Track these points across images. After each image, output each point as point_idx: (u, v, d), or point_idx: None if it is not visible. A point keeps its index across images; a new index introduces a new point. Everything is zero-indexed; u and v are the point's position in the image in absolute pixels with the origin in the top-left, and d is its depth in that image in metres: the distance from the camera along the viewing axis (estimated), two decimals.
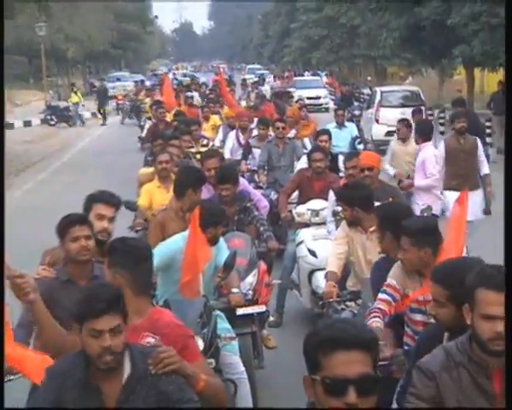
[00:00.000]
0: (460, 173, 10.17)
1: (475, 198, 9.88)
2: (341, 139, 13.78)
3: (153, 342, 3.93)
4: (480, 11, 25.09)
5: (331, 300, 6.21)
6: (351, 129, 14.78)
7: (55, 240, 5.18)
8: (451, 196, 9.78)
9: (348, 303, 6.29)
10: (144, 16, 76.21)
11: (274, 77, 53.59)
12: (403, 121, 12.08)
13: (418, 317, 4.97)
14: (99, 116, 37.69)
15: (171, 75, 48.44)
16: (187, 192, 7.04)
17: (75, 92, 37.55)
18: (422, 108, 18.89)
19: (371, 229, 6.31)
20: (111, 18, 60.93)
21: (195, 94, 26.04)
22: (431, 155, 10.33)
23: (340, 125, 14.46)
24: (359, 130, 22.92)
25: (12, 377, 4.48)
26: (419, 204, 9.84)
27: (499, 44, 25.77)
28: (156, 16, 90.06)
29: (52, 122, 35.63)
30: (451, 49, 29.30)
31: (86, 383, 3.57)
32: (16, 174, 21.67)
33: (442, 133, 25.66)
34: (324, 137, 10.97)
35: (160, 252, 6.04)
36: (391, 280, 5.11)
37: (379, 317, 4.95)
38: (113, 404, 3.54)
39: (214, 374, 4.46)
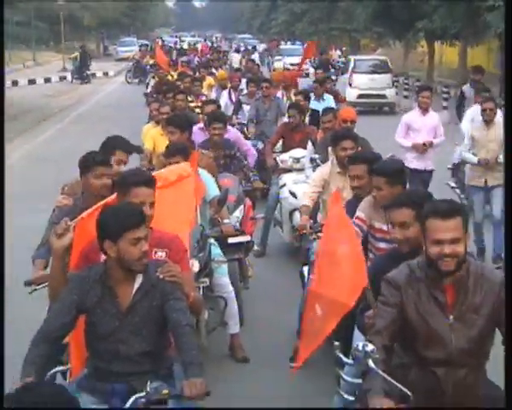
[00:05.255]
0: None
1: None
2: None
3: (164, 256, 4.01)
4: None
5: (304, 231, 6.23)
6: (328, 101, 12.41)
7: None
8: None
9: (319, 234, 6.31)
10: None
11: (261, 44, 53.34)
12: (491, 100, 8.53)
13: (382, 245, 5.00)
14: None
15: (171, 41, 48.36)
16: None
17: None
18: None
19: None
20: None
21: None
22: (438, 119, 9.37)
23: (319, 98, 12.07)
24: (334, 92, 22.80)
25: (36, 288, 4.53)
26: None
27: (457, 19, 25.78)
28: None
29: (73, 80, 34.90)
30: (415, 24, 29.38)
31: (104, 285, 3.67)
32: (38, 123, 21.52)
33: (406, 97, 25.66)
34: (299, 97, 10.85)
35: None
36: (359, 213, 5.15)
37: None
38: (126, 304, 3.65)
39: (195, 287, 4.56)
